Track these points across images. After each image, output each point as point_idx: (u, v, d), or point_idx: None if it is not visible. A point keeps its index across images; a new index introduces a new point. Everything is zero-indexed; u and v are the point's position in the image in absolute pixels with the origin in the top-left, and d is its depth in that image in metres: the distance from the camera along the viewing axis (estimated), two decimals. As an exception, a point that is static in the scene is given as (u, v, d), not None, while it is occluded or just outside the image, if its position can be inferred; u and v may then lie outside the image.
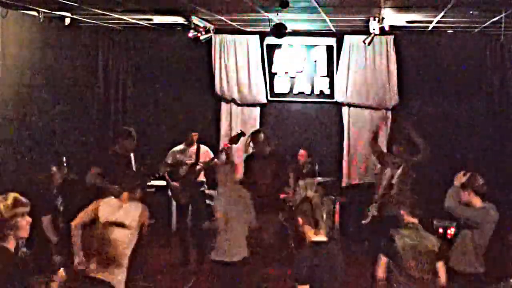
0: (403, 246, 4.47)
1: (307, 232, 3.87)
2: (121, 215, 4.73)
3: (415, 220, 4.63)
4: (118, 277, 4.42)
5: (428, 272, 4.51)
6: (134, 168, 7.07)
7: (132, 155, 7.05)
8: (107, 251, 4.28)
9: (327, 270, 3.76)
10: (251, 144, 7.16)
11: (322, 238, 3.85)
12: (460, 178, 5.00)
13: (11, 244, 3.44)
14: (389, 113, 8.94)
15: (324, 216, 3.88)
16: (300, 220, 3.89)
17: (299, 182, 7.67)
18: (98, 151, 8.86)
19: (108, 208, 4.83)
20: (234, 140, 7.68)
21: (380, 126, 7.66)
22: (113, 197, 4.97)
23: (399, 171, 6.58)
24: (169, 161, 7.76)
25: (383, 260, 4.54)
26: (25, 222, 3.50)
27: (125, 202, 4.90)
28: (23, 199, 3.53)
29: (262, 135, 7.08)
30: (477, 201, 4.95)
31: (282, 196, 7.33)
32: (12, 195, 3.51)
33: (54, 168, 6.44)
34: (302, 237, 3.96)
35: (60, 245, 5.81)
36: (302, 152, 8.63)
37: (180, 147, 7.79)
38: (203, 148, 7.81)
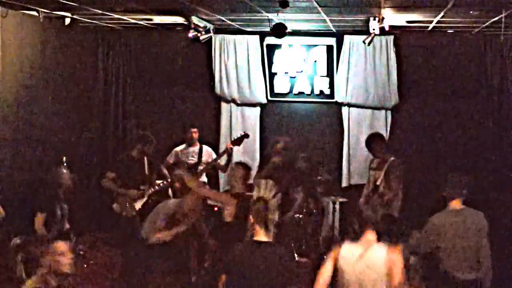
0: None
1: (256, 230, 4.01)
2: None
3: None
4: None
5: None
6: (146, 172, 7.11)
7: (145, 159, 7.08)
8: None
9: (257, 269, 3.86)
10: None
11: (267, 239, 4.00)
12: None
13: None
14: (389, 113, 8.96)
15: (275, 220, 4.02)
16: (251, 218, 4.04)
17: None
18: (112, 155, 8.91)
19: None
20: (237, 141, 7.68)
21: None
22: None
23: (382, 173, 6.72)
24: (171, 161, 7.75)
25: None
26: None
27: None
28: None
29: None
30: (456, 204, 4.95)
31: None
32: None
33: (64, 172, 6.38)
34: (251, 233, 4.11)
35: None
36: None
37: (183, 146, 7.78)
38: (206, 148, 7.80)
